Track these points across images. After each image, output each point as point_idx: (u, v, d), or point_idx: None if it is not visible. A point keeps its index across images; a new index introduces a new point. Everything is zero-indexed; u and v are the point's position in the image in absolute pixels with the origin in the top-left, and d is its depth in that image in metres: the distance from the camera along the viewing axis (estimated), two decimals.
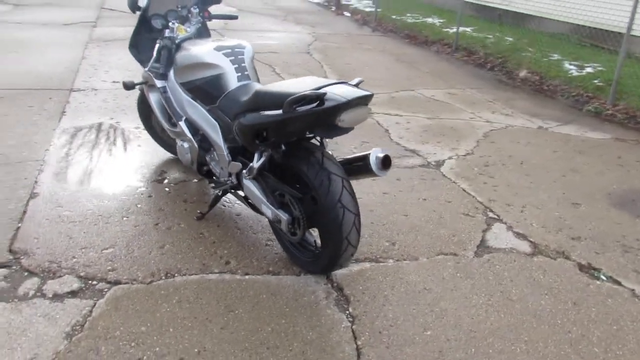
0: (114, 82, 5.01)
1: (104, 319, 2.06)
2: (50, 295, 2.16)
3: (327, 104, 1.95)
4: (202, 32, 3.12)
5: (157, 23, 2.77)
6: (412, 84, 5.90)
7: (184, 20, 2.92)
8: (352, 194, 2.15)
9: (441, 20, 9.75)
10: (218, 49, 2.55)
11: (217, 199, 2.77)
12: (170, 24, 2.78)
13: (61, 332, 1.97)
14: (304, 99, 1.96)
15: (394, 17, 10.00)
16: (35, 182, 3.02)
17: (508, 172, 3.71)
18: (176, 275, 2.35)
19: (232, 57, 2.56)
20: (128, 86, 2.93)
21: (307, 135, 2.21)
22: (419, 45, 8.31)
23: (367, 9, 10.93)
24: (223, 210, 2.91)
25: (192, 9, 2.89)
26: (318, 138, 2.36)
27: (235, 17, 3.26)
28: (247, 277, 2.38)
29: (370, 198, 3.17)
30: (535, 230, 2.97)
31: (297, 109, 1.99)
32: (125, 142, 3.67)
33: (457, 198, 3.28)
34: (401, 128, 4.45)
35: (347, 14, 10.93)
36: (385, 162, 2.23)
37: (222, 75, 2.52)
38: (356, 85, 2.11)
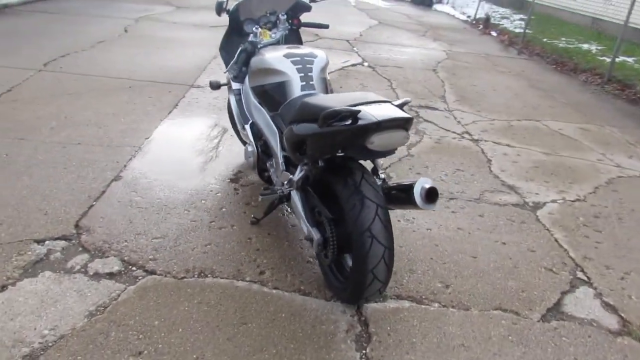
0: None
1: (126, 305, 2.12)
2: (91, 273, 2.29)
3: (358, 123, 1.80)
4: (292, 40, 3.12)
5: (248, 28, 2.82)
6: (539, 114, 5.33)
7: (272, 26, 2.94)
8: (387, 224, 1.95)
9: (599, 47, 8.73)
10: (287, 56, 2.52)
11: (272, 206, 2.73)
12: (254, 28, 2.81)
13: (85, 310, 2.08)
14: (338, 115, 1.83)
15: (544, 40, 9.19)
16: (125, 166, 3.27)
17: (621, 229, 3.13)
18: (208, 275, 2.35)
19: (300, 66, 2.50)
20: (214, 86, 3.03)
21: (345, 154, 2.06)
22: (565, 72, 7.52)
23: (517, 30, 10.20)
24: (280, 218, 2.86)
25: (280, 15, 2.90)
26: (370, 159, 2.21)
27: (326, 26, 3.20)
28: (274, 291, 2.29)
29: (440, 232, 2.89)
30: (633, 305, 2.45)
31: (332, 124, 1.86)
32: (218, 140, 3.82)
33: (544, 248, 2.84)
34: (507, 160, 4.02)
35: (493, 33, 10.32)
36: (430, 195, 1.99)
37: (286, 83, 2.47)
38: (400, 107, 1.91)
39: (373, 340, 2.07)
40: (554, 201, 3.42)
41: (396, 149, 1.99)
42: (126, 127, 3.87)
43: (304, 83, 2.47)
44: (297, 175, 2.22)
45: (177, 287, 2.26)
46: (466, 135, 4.46)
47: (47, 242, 2.47)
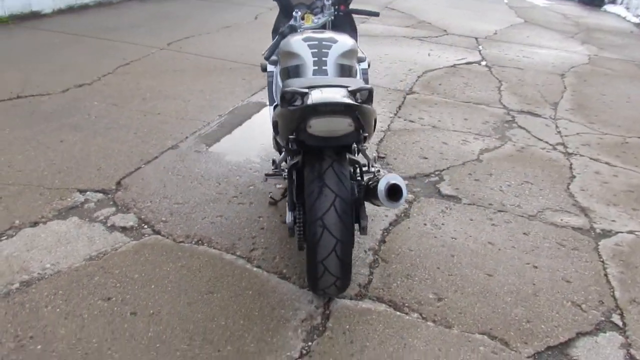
0: None
1: (120, 256, 2.35)
2: (109, 225, 2.57)
3: (296, 106, 1.74)
4: (344, 26, 3.07)
5: (296, 12, 2.86)
6: None
7: (320, 11, 2.93)
8: (344, 216, 1.87)
9: None
10: (306, 39, 2.50)
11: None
12: (294, 12, 2.84)
13: (87, 254, 2.34)
14: (291, 96, 1.79)
15: None
16: (186, 138, 3.55)
17: None
18: (204, 244, 2.48)
19: (315, 50, 2.46)
20: (263, 68, 3.14)
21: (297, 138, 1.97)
22: None
23: None
24: None
25: (325, 0, 2.88)
26: (377, 153, 2.12)
27: (376, 14, 3.08)
28: (255, 269, 2.34)
29: (465, 243, 2.65)
30: None
31: (287, 107, 1.83)
32: None
33: (585, 281, 2.44)
34: (596, 179, 3.49)
35: None
36: (392, 193, 1.85)
37: (301, 66, 2.46)
38: (353, 93, 1.78)
39: (325, 335, 2.00)
40: (630, 232, 2.90)
41: (349, 138, 1.87)
42: (207, 103, 4.18)
43: (317, 67, 2.43)
44: (280, 158, 2.22)
45: (171, 249, 2.42)
46: (559, 147, 3.96)
47: (88, 192, 2.81)
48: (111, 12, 7.19)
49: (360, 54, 2.86)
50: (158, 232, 2.53)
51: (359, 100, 1.79)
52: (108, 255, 2.35)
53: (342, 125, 1.75)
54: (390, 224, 2.78)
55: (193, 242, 2.48)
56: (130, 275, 2.23)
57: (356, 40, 3.03)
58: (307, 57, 2.42)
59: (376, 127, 2.16)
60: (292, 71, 2.49)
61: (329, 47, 2.43)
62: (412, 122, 4.23)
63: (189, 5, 8.05)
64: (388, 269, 2.42)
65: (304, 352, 1.91)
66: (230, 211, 2.75)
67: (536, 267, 2.52)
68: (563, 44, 7.82)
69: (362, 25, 7.73)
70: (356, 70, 2.66)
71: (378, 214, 2.84)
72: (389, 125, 4.09)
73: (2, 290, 2.09)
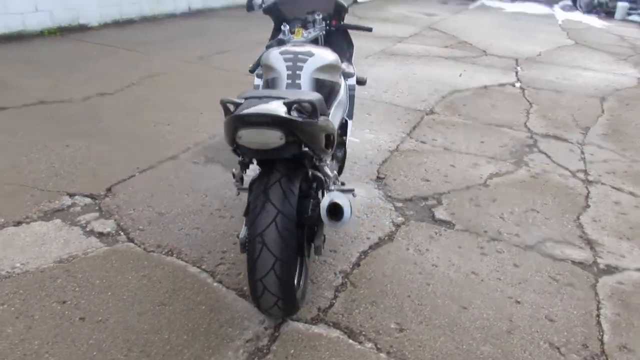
0: None
1: (87, 261, 2.38)
2: (88, 229, 2.62)
3: (228, 116, 1.70)
4: (339, 42, 3.03)
5: (284, 26, 2.85)
6: None
7: (311, 26, 2.90)
8: (285, 234, 1.79)
9: None
10: (282, 52, 2.47)
11: None
12: (282, 26, 2.82)
13: (59, 256, 2.39)
14: (226, 106, 1.75)
15: None
16: (188, 148, 3.60)
17: None
18: (173, 255, 2.47)
19: (290, 63, 2.43)
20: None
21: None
22: None
23: None
24: None
25: (316, 15, 2.85)
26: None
27: (369, 29, 3.01)
28: (215, 284, 2.30)
29: (446, 271, 2.50)
30: None
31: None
32: None
33: (571, 322, 2.24)
34: (613, 210, 3.23)
35: None
36: (332, 212, 1.77)
37: (276, 79, 2.43)
38: (289, 105, 1.71)
39: (266, 358, 1.92)
40: (638, 270, 2.64)
41: (284, 152, 1.79)
42: (220, 116, 4.20)
43: (290, 81, 2.39)
44: (237, 171, 2.17)
45: (138, 258, 2.43)
46: (579, 174, 3.71)
47: (77, 196, 2.89)
48: (154, 27, 7.49)
49: (349, 70, 2.81)
50: (132, 240, 2.55)
51: (296, 114, 1.72)
52: (77, 259, 2.38)
53: (271, 137, 1.69)
54: (370, 247, 2.67)
55: (163, 252, 2.48)
56: (91, 281, 2.24)
57: (351, 56, 2.97)
58: (282, 70, 2.39)
59: (334, 143, 2.09)
60: (270, 84, 2.47)
61: (304, 61, 2.39)
62: (424, 143, 4.09)
63: (230, 22, 8.27)
64: (354, 293, 2.31)
65: None
66: (209, 224, 2.73)
67: (518, 302, 2.33)
68: (612, 67, 7.40)
69: (399, 44, 7.66)
70: (339, 85, 2.60)
71: (359, 236, 2.74)
72: (397, 146, 3.98)
73: None
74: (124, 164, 3.29)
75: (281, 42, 2.76)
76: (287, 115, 1.63)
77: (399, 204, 3.12)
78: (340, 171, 2.77)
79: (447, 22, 10.20)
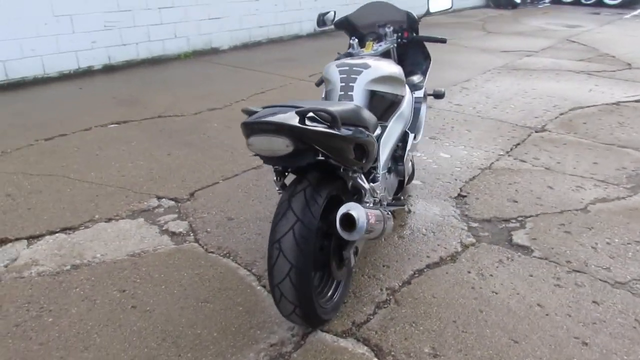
0: (453, 103, 5.13)
1: (154, 257, 2.60)
2: (164, 229, 2.87)
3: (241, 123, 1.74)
4: (416, 55, 2.96)
5: (353, 39, 2.87)
6: None
7: (382, 40, 2.88)
8: (302, 242, 1.79)
9: None
10: (339, 65, 2.47)
11: None
12: (350, 39, 2.84)
13: (132, 250, 2.66)
14: (248, 113, 1.81)
15: None
16: None
17: None
18: (230, 257, 2.60)
19: (345, 75, 2.42)
20: None
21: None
22: None
23: None
24: None
25: (386, 27, 2.81)
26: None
27: (443, 41, 2.87)
28: (259, 288, 2.36)
29: (507, 300, 2.28)
30: None
31: None
32: None
33: None
34: None
35: None
36: (345, 223, 1.73)
37: (331, 91, 2.45)
38: (303, 114, 1.69)
39: None
40: None
41: (298, 160, 1.77)
42: None
43: (343, 93, 2.39)
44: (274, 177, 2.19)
45: (198, 257, 2.60)
46: None
47: (163, 199, 3.18)
48: (278, 48, 7.97)
49: (419, 82, 2.72)
50: (197, 241, 2.74)
51: (312, 123, 1.70)
52: (147, 254, 2.62)
53: (277, 144, 1.69)
54: (427, 266, 2.53)
55: (221, 254, 2.62)
56: (152, 274, 2.45)
57: (427, 69, 2.89)
58: (337, 82, 2.41)
59: (374, 155, 2.03)
60: (327, 96, 2.50)
61: (359, 73, 2.37)
62: (523, 162, 3.77)
63: None
64: (396, 312, 2.21)
65: None
66: (254, 225, 2.82)
67: (585, 344, 2.03)
68: None
69: (526, 58, 7.19)
70: (401, 98, 2.54)
71: (419, 254, 2.62)
72: (491, 164, 3.72)
73: (55, 269, 2.49)
74: (212, 172, 3.54)
75: (349, 55, 2.78)
76: (292, 123, 1.63)
77: (474, 224, 2.91)
78: (401, 186, 2.68)
79: (590, 34, 9.27)
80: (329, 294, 2.11)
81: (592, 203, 3.15)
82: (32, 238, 2.75)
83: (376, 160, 2.36)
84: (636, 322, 2.14)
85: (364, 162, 1.97)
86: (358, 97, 2.36)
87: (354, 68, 2.40)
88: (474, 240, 2.75)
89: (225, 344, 2.01)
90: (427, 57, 2.99)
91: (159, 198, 3.19)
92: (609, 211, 3.05)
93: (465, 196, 3.25)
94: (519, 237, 2.78)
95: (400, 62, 2.96)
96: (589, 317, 2.17)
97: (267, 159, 1.80)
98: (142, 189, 3.30)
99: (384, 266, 2.52)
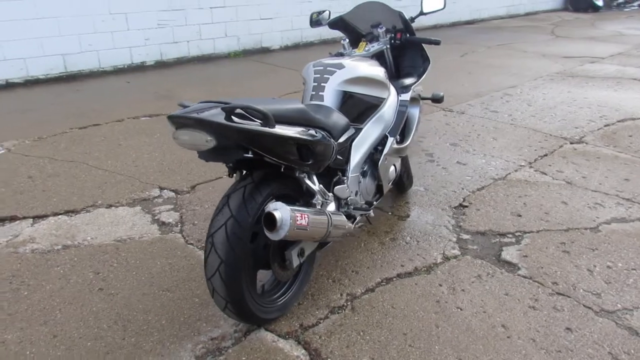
0: (489, 110, 4.90)
1: (137, 244, 2.71)
2: (156, 218, 2.98)
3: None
4: (414, 57, 2.87)
5: (344, 40, 2.84)
6: None
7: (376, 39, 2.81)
8: (233, 239, 1.80)
9: None
10: (315, 64, 2.44)
11: None
12: (342, 40, 2.80)
13: (120, 236, 2.79)
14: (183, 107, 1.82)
15: None
16: None
17: None
18: None
19: (318, 75, 2.39)
20: None
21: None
22: None
23: None
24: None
25: (379, 28, 2.74)
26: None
27: (437, 42, 2.73)
28: None
29: (470, 318, 2.15)
30: None
31: None
32: None
33: None
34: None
35: None
36: (267, 222, 1.72)
37: (305, 91, 2.43)
38: (229, 110, 1.68)
39: (219, 359, 1.95)
40: None
41: (219, 153, 1.76)
42: None
43: (314, 93, 2.36)
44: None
45: (176, 248, 2.67)
46: None
47: (165, 190, 3.31)
48: (325, 49, 7.97)
49: (407, 84, 2.64)
50: (181, 232, 2.82)
51: (237, 120, 1.69)
52: (132, 241, 2.74)
53: (198, 139, 1.69)
54: (398, 275, 2.45)
55: (198, 247, 2.68)
56: (128, 260, 2.56)
57: (424, 72, 2.80)
58: (310, 82, 2.39)
59: (325, 156, 2.00)
60: (303, 96, 2.48)
61: (332, 73, 2.34)
62: (543, 174, 3.54)
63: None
64: (348, 318, 2.16)
65: None
66: None
67: None
68: None
69: (588, 65, 6.74)
70: (382, 100, 2.48)
71: (393, 262, 2.54)
72: (506, 175, 3.52)
73: (47, 247, 2.67)
74: (218, 167, 3.62)
75: (340, 56, 2.75)
76: (211, 119, 1.63)
77: (465, 236, 2.77)
78: (380, 190, 2.60)
79: None
80: (274, 294, 2.11)
81: (606, 222, 2.90)
82: (37, 218, 2.96)
83: (347, 162, 2.32)
84: (609, 355, 1.95)
85: (310, 162, 1.94)
86: (329, 98, 2.33)
87: (328, 68, 2.37)
88: (458, 253, 2.62)
89: (169, 332, 2.06)
90: (425, 60, 2.88)
91: (161, 189, 3.31)
92: (623, 232, 2.79)
93: (466, 206, 3.10)
94: (509, 253, 2.61)
95: (396, 64, 2.89)
96: (555, 344, 2.00)
97: (199, 154, 1.82)
98: (149, 179, 3.44)
99: (352, 272, 2.47)
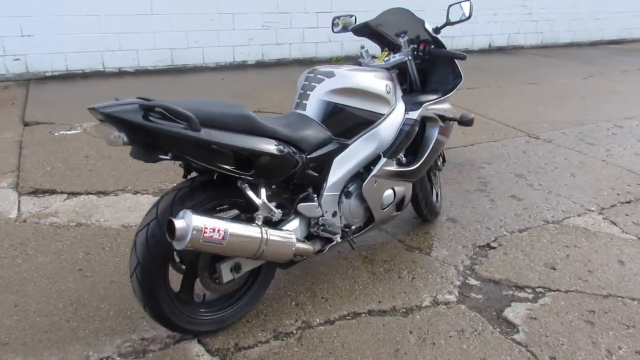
0: (585, 141, 4.25)
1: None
2: None
3: None
4: (440, 70, 2.56)
5: (362, 47, 2.62)
6: None
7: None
8: (152, 242, 1.74)
9: None
10: (309, 72, 2.27)
11: None
12: (361, 47, 2.58)
13: (128, 223, 2.90)
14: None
15: None
16: None
17: None
18: None
19: (307, 82, 2.21)
20: None
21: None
22: None
23: None
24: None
25: (400, 37, 2.47)
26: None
27: (462, 57, 2.36)
28: None
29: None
30: None
31: None
32: None
33: None
34: None
35: None
36: (169, 230, 1.63)
37: (294, 98, 2.29)
38: (148, 108, 1.59)
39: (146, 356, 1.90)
40: None
41: (140, 152, 1.66)
42: None
43: (299, 101, 2.20)
44: None
45: None
46: None
47: None
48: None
49: (421, 100, 2.37)
50: None
51: (155, 120, 1.60)
52: (135, 228, 2.82)
53: (108, 134, 1.62)
54: (369, 312, 2.19)
55: None
56: (120, 247, 2.63)
57: (453, 89, 2.50)
58: (298, 90, 2.25)
59: (276, 169, 1.84)
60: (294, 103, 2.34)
61: (319, 81, 2.18)
62: (613, 224, 2.96)
63: (524, 60, 7.65)
64: (288, 348, 1.97)
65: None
66: None
67: None
68: None
69: None
70: (378, 116, 2.25)
71: (373, 295, 2.28)
72: (564, 218, 3.01)
73: (64, 223, 2.86)
74: None
75: (357, 64, 2.56)
76: (119, 115, 1.56)
77: (474, 282, 2.40)
78: (370, 215, 2.35)
79: None
80: (214, 306, 2.00)
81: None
82: (71, 194, 3.19)
83: (323, 179, 2.13)
84: None
85: (251, 173, 1.80)
86: (311, 107, 2.15)
87: (318, 75, 2.20)
88: (452, 299, 2.27)
89: (109, 324, 2.07)
90: (457, 77, 2.54)
91: None
92: None
93: (493, 248, 2.69)
94: (515, 311, 2.20)
95: (424, 77, 2.60)
96: None
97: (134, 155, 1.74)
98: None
99: (322, 298, 2.26)
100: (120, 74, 6.18)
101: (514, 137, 4.36)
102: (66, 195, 3.18)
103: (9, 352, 1.91)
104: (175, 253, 1.89)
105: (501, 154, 3.99)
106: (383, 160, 2.25)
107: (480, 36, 8.33)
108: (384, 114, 2.27)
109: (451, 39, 8.09)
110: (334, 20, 2.69)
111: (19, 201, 3.06)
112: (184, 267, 1.94)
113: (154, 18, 6.13)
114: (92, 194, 3.20)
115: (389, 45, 2.64)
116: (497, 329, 2.08)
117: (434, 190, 2.87)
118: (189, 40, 6.43)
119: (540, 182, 3.48)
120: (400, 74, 2.51)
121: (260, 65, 6.92)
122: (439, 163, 2.87)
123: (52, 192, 3.22)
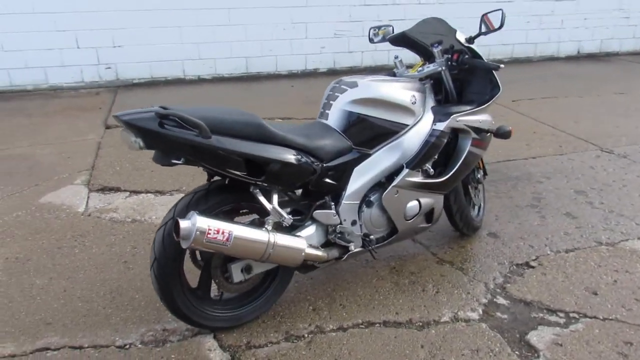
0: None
1: None
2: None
3: None
4: (477, 82, 2.49)
5: (396, 57, 2.61)
6: None
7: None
8: (167, 240, 1.87)
9: None
10: (336, 82, 2.31)
11: None
12: (395, 57, 2.58)
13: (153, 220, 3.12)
14: None
15: None
16: None
17: None
18: None
19: (331, 92, 2.25)
20: None
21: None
22: None
23: None
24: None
25: (434, 47, 2.43)
26: None
27: (496, 68, 2.26)
28: None
29: None
30: None
31: None
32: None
33: None
34: None
35: None
36: (176, 229, 1.75)
37: (319, 109, 2.34)
38: (163, 116, 1.71)
39: (160, 348, 2.05)
40: None
41: (157, 157, 1.79)
42: None
43: (322, 110, 2.25)
44: None
45: None
46: None
47: None
48: (522, 68, 7.26)
49: (451, 111, 2.33)
50: None
51: (169, 127, 1.72)
52: None
53: (127, 140, 1.76)
54: (384, 322, 2.19)
55: None
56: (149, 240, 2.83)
57: (490, 100, 2.44)
58: (322, 99, 2.31)
59: (288, 176, 1.92)
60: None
61: (343, 91, 2.23)
62: None
63: (614, 68, 7.12)
64: (297, 351, 2.03)
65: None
66: None
67: None
68: None
69: None
70: (403, 126, 2.25)
71: (392, 305, 2.28)
72: (620, 241, 2.80)
73: (120, 219, 3.11)
74: None
75: (392, 75, 2.57)
76: (136, 123, 1.70)
77: (502, 301, 2.31)
78: (394, 227, 2.33)
79: None
80: (229, 304, 2.10)
81: None
82: (133, 192, 3.47)
83: (343, 187, 2.17)
84: None
85: (261, 178, 1.88)
86: (333, 117, 2.20)
87: (342, 86, 2.24)
88: (475, 317, 2.20)
89: (139, 313, 2.23)
90: (495, 87, 2.45)
91: None
92: None
93: (532, 267, 2.57)
94: (540, 335, 2.09)
95: (461, 88, 2.54)
96: None
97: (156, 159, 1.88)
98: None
99: (340, 305, 2.29)
100: (199, 81, 6.57)
101: (583, 151, 4.08)
102: (128, 193, 3.46)
103: (50, 331, 2.13)
104: (197, 251, 2.01)
105: (564, 168, 3.75)
106: (405, 171, 2.23)
107: (568, 42, 7.85)
108: (408, 125, 2.25)
109: (534, 46, 7.72)
110: (373, 30, 2.70)
111: (88, 197, 3.38)
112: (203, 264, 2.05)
113: (231, 28, 6.45)
114: (151, 192, 3.46)
115: (425, 55, 2.61)
116: (516, 352, 1.99)
117: (472, 203, 2.77)
118: (263, 49, 6.69)
119: (602, 201, 3.24)
120: (436, 84, 2.47)
121: (332, 72, 7.02)
122: (479, 176, 2.77)
123: (117, 189, 3.51)
